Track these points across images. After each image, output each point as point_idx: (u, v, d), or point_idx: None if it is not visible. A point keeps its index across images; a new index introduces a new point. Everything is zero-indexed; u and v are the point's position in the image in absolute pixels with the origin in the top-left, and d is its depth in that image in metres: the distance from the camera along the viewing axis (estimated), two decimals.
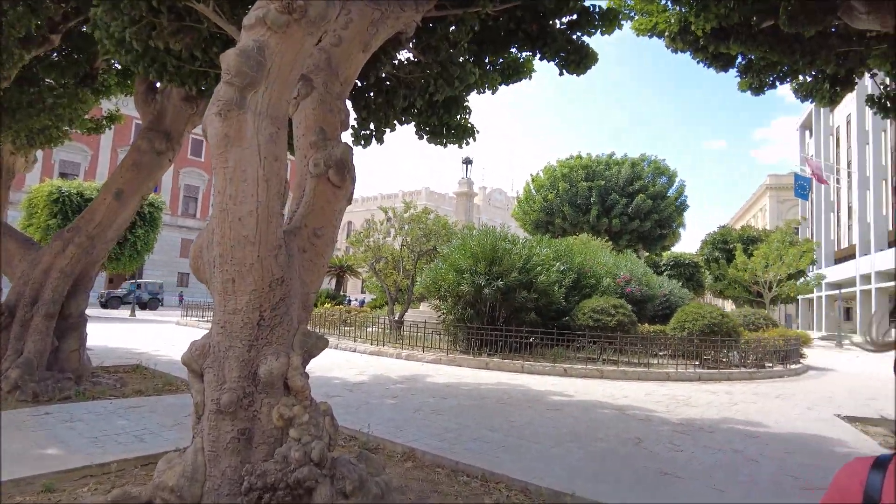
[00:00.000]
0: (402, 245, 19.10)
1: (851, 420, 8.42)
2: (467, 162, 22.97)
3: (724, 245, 40.20)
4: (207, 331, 3.55)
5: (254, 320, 3.25)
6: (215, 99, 3.07)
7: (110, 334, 15.71)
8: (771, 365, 13.89)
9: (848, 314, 51.68)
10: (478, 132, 8.11)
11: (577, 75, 7.78)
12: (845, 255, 49.37)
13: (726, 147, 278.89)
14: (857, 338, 36.46)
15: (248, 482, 3.04)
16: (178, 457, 3.39)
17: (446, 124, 7.44)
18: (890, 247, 38.86)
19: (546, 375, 11.69)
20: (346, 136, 6.48)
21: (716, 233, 42.39)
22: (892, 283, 36.11)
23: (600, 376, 11.73)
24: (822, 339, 36.21)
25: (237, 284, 3.22)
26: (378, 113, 7.01)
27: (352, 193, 4.20)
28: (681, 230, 42.69)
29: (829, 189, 51.21)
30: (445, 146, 7.98)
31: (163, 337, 16.49)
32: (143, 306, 33.93)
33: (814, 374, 14.34)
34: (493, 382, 10.49)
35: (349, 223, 66.41)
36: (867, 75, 10.95)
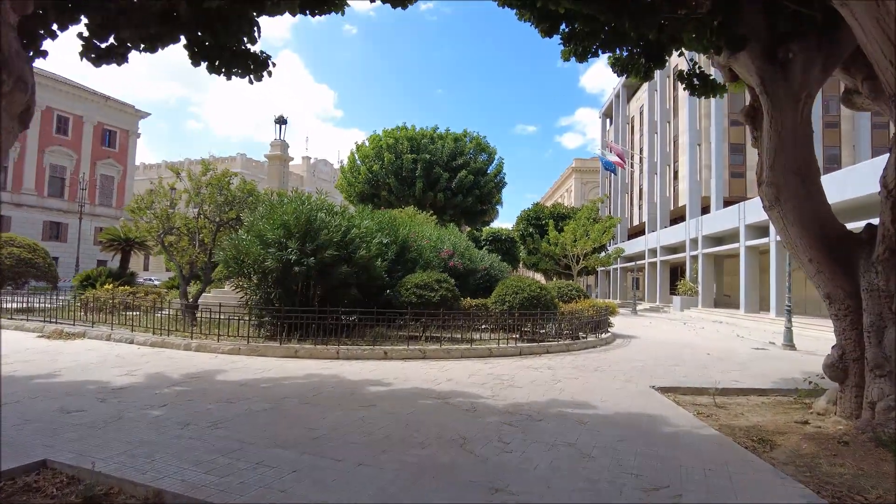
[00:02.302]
0: (198, 214, 16.32)
1: (665, 391, 8.49)
2: (281, 122, 20.47)
3: (537, 221, 42.77)
4: None
5: None
6: None
7: None
8: (585, 336, 14.30)
9: (637, 284, 59.12)
10: (273, 64, 6.38)
11: (403, 7, 6.47)
12: (637, 232, 56.05)
13: (536, 132, 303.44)
14: (645, 304, 41.41)
15: None
16: None
17: (225, 46, 5.58)
18: (672, 224, 44.68)
19: (365, 360, 10.42)
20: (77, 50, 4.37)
21: (530, 209, 44.96)
22: (674, 257, 41.57)
23: (423, 357, 10.80)
24: (619, 306, 40.47)
25: None
26: (118, 18, 4.92)
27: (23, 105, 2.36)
28: (499, 207, 44.51)
29: (624, 172, 57.44)
30: (229, 77, 6.13)
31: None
32: None
33: (621, 343, 15.13)
34: (302, 375, 8.92)
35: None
36: (675, 55, 11.21)
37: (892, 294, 6.00)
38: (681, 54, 10.68)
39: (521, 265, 47.36)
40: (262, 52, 6.19)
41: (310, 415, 6.29)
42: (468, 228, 41.14)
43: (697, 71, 10.52)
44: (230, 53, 5.84)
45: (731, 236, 31.84)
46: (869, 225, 6.66)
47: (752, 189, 38.82)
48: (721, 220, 33.01)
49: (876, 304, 6.14)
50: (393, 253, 14.61)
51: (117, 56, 5.09)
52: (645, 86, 53.73)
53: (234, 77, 6.16)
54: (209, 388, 7.66)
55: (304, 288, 12.52)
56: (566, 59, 11.00)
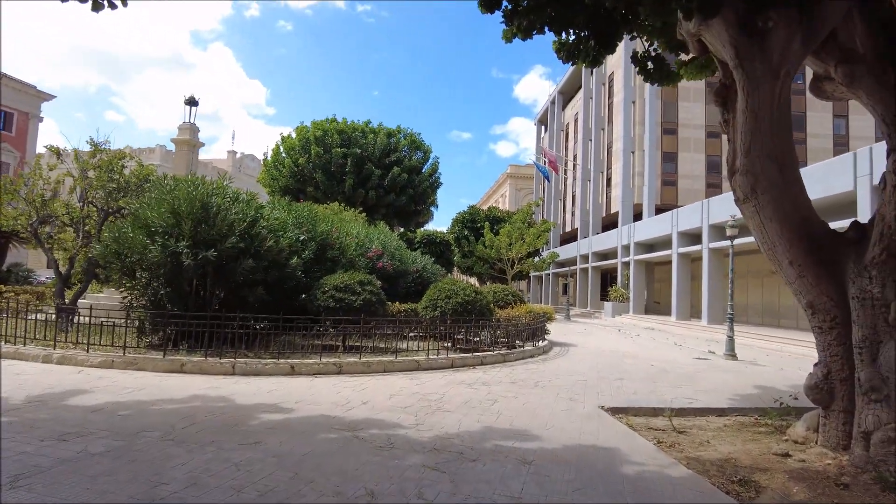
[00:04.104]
0: (84, 202, 13.98)
1: (616, 413, 7.38)
2: (191, 103, 18.19)
3: (472, 224, 41.79)
4: None
5: None
6: None
7: None
8: (521, 344, 13.13)
9: (566, 289, 59.44)
10: None
11: None
12: (569, 238, 56.32)
13: (471, 139, 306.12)
14: (576, 310, 41.30)
15: None
16: None
17: None
18: (604, 231, 44.92)
19: (266, 377, 8.73)
20: None
21: (465, 212, 43.95)
22: (605, 263, 41.70)
23: (338, 372, 9.21)
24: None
25: None
26: None
27: None
28: (434, 209, 43.20)
29: (558, 178, 57.67)
30: None
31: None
32: None
33: (559, 352, 14.08)
34: (181, 396, 7.15)
35: None
36: (625, 40, 10.26)
37: (888, 303, 5.05)
38: (633, 38, 9.74)
39: (455, 269, 46.30)
40: None
41: (168, 458, 4.62)
42: (402, 229, 39.57)
43: (653, 53, 9.60)
44: None
45: (664, 243, 32.02)
46: (856, 223, 5.74)
47: (683, 197, 39.57)
48: (654, 226, 33.18)
49: (869, 315, 5.18)
50: (311, 251, 12.92)
51: None
52: (580, 93, 54.16)
53: None
54: (46, 418, 5.80)
55: (200, 288, 10.65)
56: (508, 40, 9.80)
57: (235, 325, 9.47)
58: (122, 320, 9.84)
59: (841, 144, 39.44)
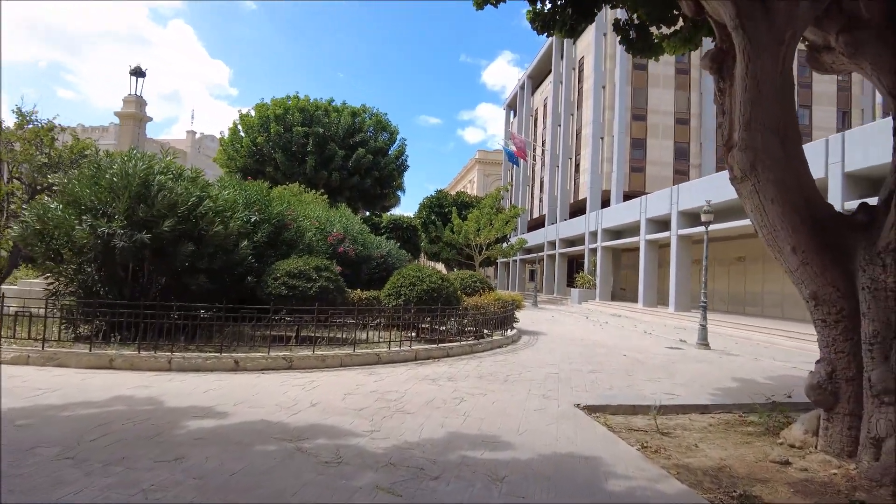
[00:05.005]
0: (9, 177, 12.64)
1: (593, 411, 6.76)
2: (138, 73, 16.70)
3: (440, 209, 41.02)
4: None
5: None
6: None
7: None
8: (490, 333, 12.46)
9: (532, 276, 59.24)
10: None
11: None
12: (537, 224, 56.03)
13: (440, 125, 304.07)
14: (543, 296, 41.07)
15: None
16: None
17: None
18: (572, 217, 44.68)
19: (207, 373, 7.81)
20: None
21: (433, 196, 43.12)
22: (573, 249, 41.47)
23: (288, 367, 8.34)
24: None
25: None
26: None
27: None
28: (401, 194, 42.19)
29: (526, 164, 57.19)
30: None
31: None
32: None
33: (529, 341, 13.46)
34: (102, 398, 6.21)
35: None
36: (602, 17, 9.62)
37: None
38: (614, 6, 9.01)
39: (422, 255, 45.48)
40: None
41: (55, 486, 3.73)
42: (367, 214, 38.45)
43: (636, 21, 8.91)
44: None
45: (631, 230, 31.83)
46: (864, 205, 5.16)
47: (651, 184, 39.51)
48: (622, 213, 32.94)
49: (882, 308, 4.61)
50: (265, 234, 11.93)
51: None
52: (550, 77, 53.57)
53: None
54: None
55: (138, 273, 9.59)
56: (480, 7, 9.10)
57: (173, 315, 8.47)
58: (43, 310, 8.73)
59: (804, 134, 39.90)
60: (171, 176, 10.06)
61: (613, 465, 4.74)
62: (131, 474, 3.98)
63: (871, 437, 4.53)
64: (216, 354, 8.16)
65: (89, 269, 9.63)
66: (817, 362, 5.16)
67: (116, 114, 17.08)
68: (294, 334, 10.06)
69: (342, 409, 6.09)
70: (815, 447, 5.12)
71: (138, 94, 17.16)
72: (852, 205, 14.59)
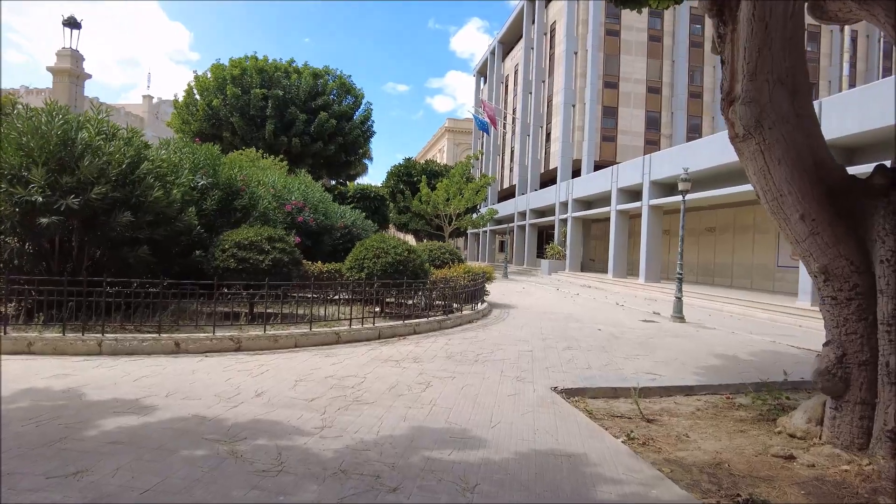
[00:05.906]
0: None
1: (571, 395, 6.18)
2: (71, 24, 15.13)
3: (408, 178, 39.94)
4: None
5: None
6: None
7: None
8: (459, 307, 11.81)
9: (503, 247, 58.87)
10: None
11: None
12: (507, 194, 55.40)
13: (407, 92, 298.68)
14: (513, 267, 40.72)
15: None
16: None
17: None
18: (542, 187, 44.12)
19: (143, 356, 6.95)
20: None
21: (401, 165, 41.96)
22: (543, 220, 41.03)
23: (236, 348, 7.52)
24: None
25: None
26: None
27: None
28: (368, 162, 40.89)
29: (497, 133, 56.20)
30: None
31: None
32: None
33: (500, 315, 12.88)
34: (9, 391, 5.33)
35: None
36: None
37: None
38: None
39: (391, 225, 44.46)
40: None
41: None
42: (332, 182, 37.13)
43: None
44: None
45: (602, 200, 31.45)
46: (882, 167, 4.57)
47: (622, 154, 39.15)
48: (593, 182, 32.49)
49: None
50: (215, 201, 10.93)
51: None
52: (521, 43, 52.31)
53: None
54: None
55: (66, 245, 8.54)
56: None
57: (105, 292, 7.51)
58: None
59: None
60: (104, 136, 8.94)
61: (600, 464, 4.14)
62: (11, 497, 3.18)
63: (888, 430, 4.03)
64: (154, 335, 7.28)
65: (10, 242, 8.56)
66: (825, 344, 4.62)
67: (49, 69, 15.52)
68: (247, 310, 9.20)
69: (291, 400, 5.34)
70: (820, 438, 4.62)
71: (73, 47, 15.61)
72: None
